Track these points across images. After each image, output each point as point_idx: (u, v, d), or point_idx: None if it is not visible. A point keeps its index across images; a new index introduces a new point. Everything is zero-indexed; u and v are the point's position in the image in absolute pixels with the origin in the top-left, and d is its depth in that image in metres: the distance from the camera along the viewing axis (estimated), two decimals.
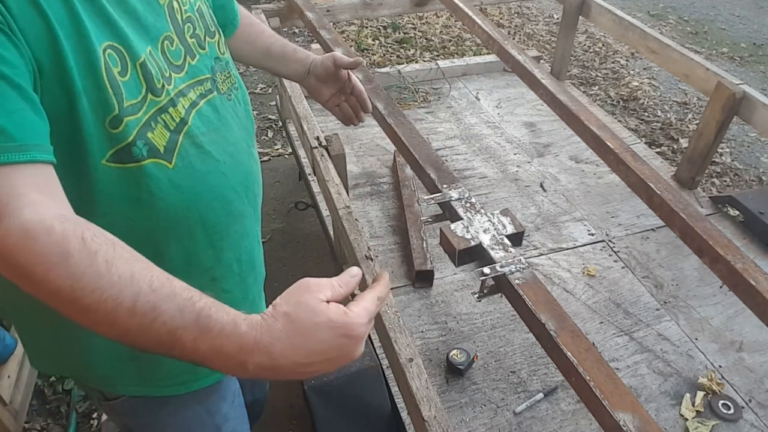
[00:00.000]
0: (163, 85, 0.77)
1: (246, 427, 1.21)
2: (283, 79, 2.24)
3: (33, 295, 0.58)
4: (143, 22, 0.76)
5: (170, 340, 0.56)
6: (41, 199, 0.58)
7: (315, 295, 0.59)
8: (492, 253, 1.25)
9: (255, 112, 3.81)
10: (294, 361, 0.57)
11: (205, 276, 0.91)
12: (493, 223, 1.31)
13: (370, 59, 4.11)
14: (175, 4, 0.83)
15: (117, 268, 0.56)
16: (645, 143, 3.05)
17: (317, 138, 1.86)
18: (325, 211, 2.29)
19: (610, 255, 2.25)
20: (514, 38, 4.53)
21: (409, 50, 4.25)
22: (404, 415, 1.60)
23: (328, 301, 0.60)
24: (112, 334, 0.57)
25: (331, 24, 2.63)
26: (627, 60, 4.32)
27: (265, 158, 3.58)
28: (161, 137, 0.76)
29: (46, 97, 0.65)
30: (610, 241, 2.32)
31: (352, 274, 0.68)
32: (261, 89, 4.13)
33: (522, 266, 1.24)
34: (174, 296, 0.56)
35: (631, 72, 4.15)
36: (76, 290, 0.55)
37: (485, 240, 1.27)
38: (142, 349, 0.58)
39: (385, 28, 4.58)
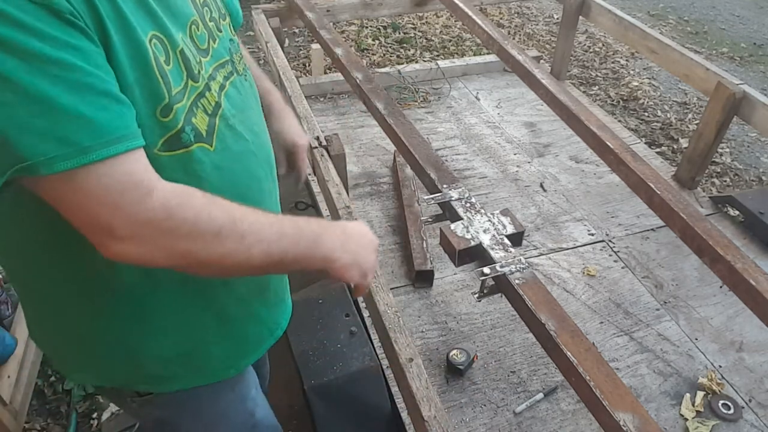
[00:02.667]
0: (199, 71, 0.78)
1: (271, 413, 1.23)
2: (283, 79, 2.24)
3: (202, 261, 0.68)
4: (173, 8, 0.76)
5: (297, 230, 0.77)
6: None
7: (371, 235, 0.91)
8: (492, 253, 1.25)
9: None
10: (360, 263, 0.85)
11: None
12: (493, 223, 1.31)
13: (370, 59, 4.11)
14: None
15: (248, 208, 0.74)
16: (645, 143, 3.05)
17: (317, 138, 1.86)
18: (325, 211, 2.29)
19: (610, 255, 2.25)
20: (514, 38, 4.53)
21: (409, 50, 4.25)
22: (404, 415, 1.60)
23: None
24: (264, 253, 0.73)
25: (331, 24, 2.63)
26: (627, 60, 4.31)
27: None
28: (202, 121, 0.78)
29: None
30: (610, 241, 2.32)
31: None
32: None
33: (522, 266, 1.24)
34: (284, 231, 0.76)
35: (631, 72, 4.15)
36: (236, 221, 0.70)
37: (485, 240, 1.27)
38: (282, 259, 0.76)
39: (385, 28, 4.58)
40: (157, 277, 0.80)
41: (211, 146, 0.79)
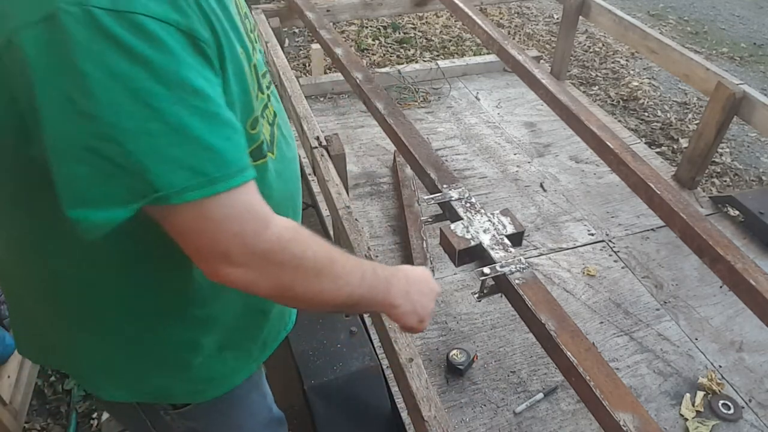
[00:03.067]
0: (263, 81, 0.80)
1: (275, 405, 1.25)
2: (283, 79, 2.24)
3: (298, 293, 0.71)
4: (236, 22, 0.76)
5: (374, 276, 0.80)
6: None
7: (433, 284, 0.94)
8: (492, 253, 1.25)
9: None
10: (418, 312, 0.89)
11: None
12: (493, 223, 1.31)
13: (370, 59, 4.11)
14: (237, 0, 0.84)
15: (341, 251, 0.77)
16: (645, 143, 3.05)
17: (317, 138, 1.86)
18: (325, 211, 2.29)
19: (610, 255, 2.25)
20: (514, 38, 4.53)
21: (409, 50, 4.25)
22: (404, 415, 1.60)
23: None
24: (348, 294, 0.76)
25: (331, 24, 2.63)
26: (627, 60, 4.31)
27: None
28: (267, 131, 0.79)
29: None
30: (610, 241, 2.32)
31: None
32: None
33: (522, 266, 1.24)
34: (365, 276, 0.79)
35: (631, 72, 4.15)
36: (333, 261, 0.74)
37: (485, 240, 1.27)
38: (359, 300, 0.79)
39: (385, 28, 4.58)
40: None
41: (273, 154, 0.82)
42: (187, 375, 0.89)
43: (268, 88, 0.84)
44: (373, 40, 4.40)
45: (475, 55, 4.10)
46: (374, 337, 1.66)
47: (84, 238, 0.59)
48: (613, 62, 4.30)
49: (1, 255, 0.80)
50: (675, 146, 3.34)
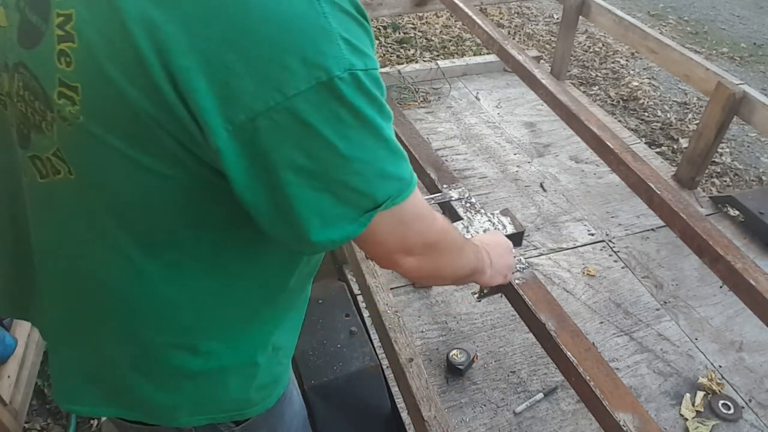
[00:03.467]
0: None
1: None
2: None
3: (445, 272, 0.86)
4: None
5: (476, 251, 0.99)
6: None
7: (505, 241, 1.15)
8: None
9: None
10: (501, 272, 1.10)
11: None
12: (493, 223, 1.31)
13: None
14: None
15: (461, 237, 0.92)
16: (645, 143, 3.05)
17: None
18: None
19: (610, 255, 2.25)
20: (514, 38, 4.53)
21: (409, 50, 4.25)
22: (404, 415, 1.60)
23: None
24: (470, 268, 0.95)
25: None
26: (627, 60, 4.31)
27: None
28: None
29: None
30: (610, 241, 2.32)
31: None
32: None
33: (522, 266, 1.24)
34: (475, 251, 0.98)
35: (631, 72, 4.15)
36: (465, 243, 0.92)
37: None
38: (471, 270, 0.97)
39: (385, 28, 4.58)
40: (305, 288, 0.93)
41: None
42: (255, 382, 0.87)
43: None
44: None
45: (475, 55, 4.10)
46: (374, 337, 1.66)
47: (308, 254, 0.76)
48: (613, 62, 4.30)
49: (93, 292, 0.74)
50: (675, 146, 3.34)
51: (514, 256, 1.24)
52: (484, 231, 1.29)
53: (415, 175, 0.73)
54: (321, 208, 0.63)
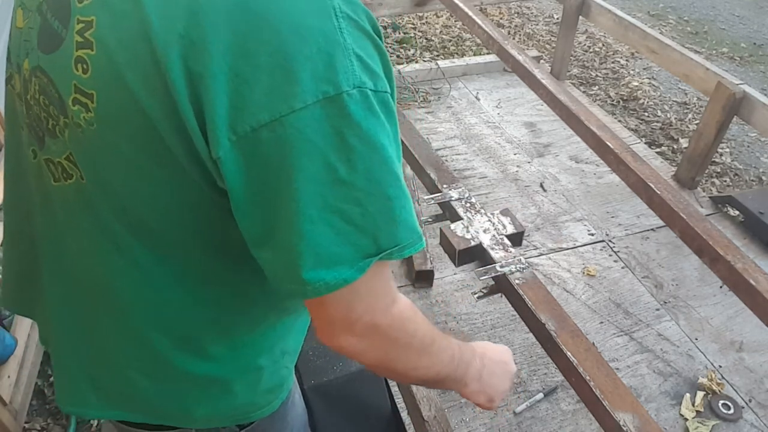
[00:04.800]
0: None
1: None
2: None
3: (397, 367, 0.73)
4: None
5: (451, 361, 0.81)
6: None
7: (510, 366, 0.98)
8: (492, 253, 1.25)
9: None
10: (495, 370, 0.93)
11: None
12: (493, 223, 1.31)
13: None
14: None
15: (438, 330, 0.77)
16: (645, 143, 3.05)
17: None
18: None
19: (610, 255, 2.25)
20: (514, 38, 4.53)
21: (409, 50, 4.25)
22: (404, 415, 1.60)
23: None
24: (436, 373, 0.78)
25: None
26: (627, 60, 4.31)
27: None
28: None
29: None
30: (610, 241, 2.32)
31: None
32: None
33: (522, 266, 1.24)
34: (453, 357, 0.81)
35: (631, 72, 4.14)
36: (435, 341, 0.75)
37: (485, 240, 1.27)
38: (440, 378, 0.80)
39: (385, 28, 4.58)
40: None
41: None
42: (261, 386, 0.87)
43: None
44: None
45: (475, 55, 4.10)
46: None
47: (296, 298, 0.63)
48: (613, 62, 4.30)
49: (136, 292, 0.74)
50: (675, 146, 3.34)
51: (514, 257, 1.24)
52: (484, 231, 1.29)
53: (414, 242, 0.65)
54: (317, 242, 0.58)
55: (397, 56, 4.18)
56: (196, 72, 0.55)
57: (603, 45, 4.52)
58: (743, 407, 1.73)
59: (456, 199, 1.42)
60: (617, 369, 1.80)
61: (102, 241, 0.70)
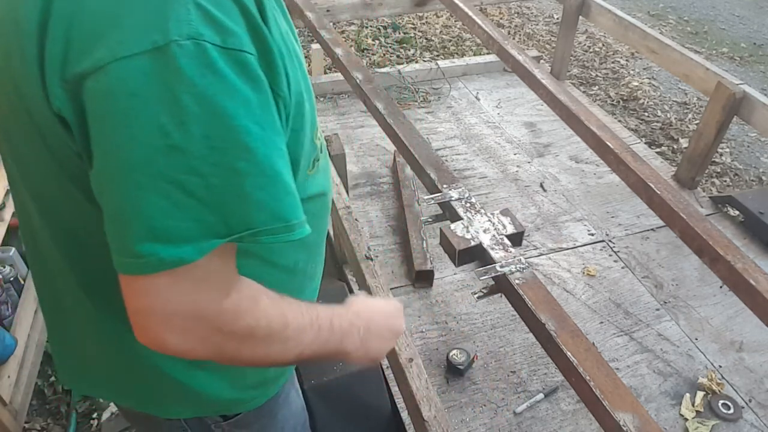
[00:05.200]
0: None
1: None
2: None
3: (239, 359, 0.66)
4: (294, 32, 0.74)
5: (329, 334, 0.74)
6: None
7: (398, 324, 0.91)
8: (492, 253, 1.25)
9: None
10: (380, 325, 0.86)
11: (322, 252, 0.96)
12: (493, 223, 1.31)
13: (370, 59, 4.11)
14: None
15: (288, 300, 0.70)
16: (645, 143, 3.05)
17: None
18: None
19: (610, 255, 2.25)
20: (514, 38, 4.53)
21: (409, 50, 4.25)
22: (404, 415, 1.60)
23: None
24: (296, 354, 0.71)
25: (331, 24, 2.63)
26: (627, 60, 4.31)
27: None
28: (318, 134, 0.79)
29: (291, 135, 0.64)
30: (610, 241, 2.32)
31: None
32: None
33: (522, 266, 1.24)
34: (310, 305, 0.74)
35: (631, 72, 4.14)
36: (287, 326, 0.67)
37: (485, 240, 1.27)
38: (308, 357, 0.73)
39: (385, 28, 4.58)
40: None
41: (322, 152, 0.82)
42: (245, 381, 0.88)
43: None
44: (373, 40, 4.40)
45: (475, 55, 4.10)
46: None
47: (134, 273, 0.55)
48: (613, 62, 4.30)
49: (61, 280, 0.76)
50: (675, 146, 3.34)
51: (514, 257, 1.24)
52: (484, 231, 1.29)
53: (304, 226, 0.60)
54: (149, 213, 0.52)
55: (397, 56, 4.18)
56: (44, 20, 0.53)
57: (603, 45, 4.52)
58: (743, 407, 1.73)
59: (456, 199, 1.42)
60: (617, 369, 1.80)
61: (33, 222, 0.71)
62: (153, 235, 0.53)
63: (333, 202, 1.64)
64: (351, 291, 1.91)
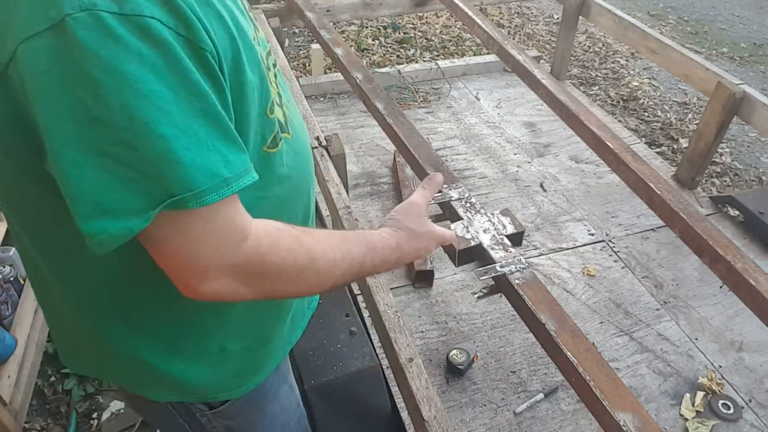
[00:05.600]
0: (265, 64, 0.78)
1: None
2: None
3: (279, 294, 0.72)
4: (242, 6, 0.74)
5: (361, 267, 0.79)
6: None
7: (421, 212, 0.95)
8: (492, 253, 1.25)
9: None
10: (410, 254, 0.89)
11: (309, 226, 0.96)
12: (493, 223, 1.31)
13: (370, 59, 4.11)
14: None
15: (318, 236, 0.75)
16: (645, 143, 3.05)
17: (317, 138, 1.86)
18: (325, 211, 2.29)
19: (610, 255, 2.25)
20: (514, 38, 4.53)
21: (409, 50, 4.25)
22: (404, 415, 1.60)
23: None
24: (332, 284, 0.76)
25: (331, 24, 2.63)
26: (627, 60, 4.31)
27: None
28: (280, 112, 0.79)
29: (233, 104, 0.64)
30: (610, 241, 2.32)
31: (438, 181, 1.05)
32: None
33: (522, 266, 1.23)
34: (348, 238, 0.79)
35: (631, 72, 4.14)
36: (316, 260, 0.71)
37: (485, 240, 1.27)
38: (345, 283, 0.79)
39: (385, 28, 4.58)
40: None
41: (289, 134, 0.81)
42: (227, 369, 0.89)
43: (274, 66, 0.83)
44: (373, 40, 4.40)
45: (475, 55, 4.10)
46: (374, 337, 1.66)
47: (96, 252, 0.56)
48: (613, 62, 4.30)
49: (40, 270, 0.78)
50: (675, 146, 3.34)
51: (514, 257, 1.24)
52: (484, 231, 1.29)
53: (249, 169, 0.62)
54: (91, 189, 0.54)
55: (397, 56, 4.17)
56: None
57: (603, 45, 4.52)
58: (743, 407, 1.73)
59: (456, 199, 1.41)
60: (617, 369, 1.80)
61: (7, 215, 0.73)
62: (101, 211, 0.54)
63: (333, 201, 1.64)
64: (351, 291, 1.91)
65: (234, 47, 0.62)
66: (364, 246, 0.80)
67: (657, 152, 3.06)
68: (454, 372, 1.78)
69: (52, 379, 2.12)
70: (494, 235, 1.28)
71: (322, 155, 1.81)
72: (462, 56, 4.11)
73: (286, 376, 1.10)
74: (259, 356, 0.94)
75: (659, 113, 3.67)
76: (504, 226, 1.30)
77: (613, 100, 3.80)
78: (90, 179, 0.53)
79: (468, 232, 1.28)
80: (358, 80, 2.01)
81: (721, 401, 1.72)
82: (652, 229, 2.36)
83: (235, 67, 0.63)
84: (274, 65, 0.84)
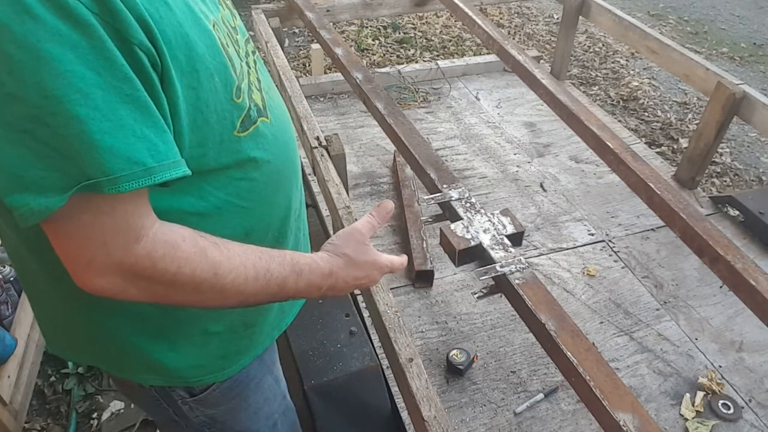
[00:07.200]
0: (240, 49, 0.79)
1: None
2: (283, 79, 2.24)
3: (176, 302, 0.69)
4: None
5: (280, 289, 0.75)
6: (153, 214, 0.65)
7: (364, 240, 0.88)
8: (492, 253, 1.25)
9: None
10: (347, 282, 0.84)
11: (292, 217, 0.95)
12: (493, 223, 1.31)
13: (370, 59, 4.11)
14: None
15: (232, 250, 0.71)
16: (645, 143, 3.05)
17: (317, 138, 1.86)
18: (325, 211, 2.29)
19: (610, 255, 2.25)
20: (514, 38, 4.53)
21: (409, 50, 4.25)
22: (404, 415, 1.60)
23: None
24: (240, 301, 0.73)
25: (331, 24, 2.63)
26: (627, 60, 4.31)
27: None
28: (257, 96, 0.79)
29: (187, 92, 0.64)
30: (610, 241, 2.31)
31: (387, 209, 0.95)
32: None
33: (522, 266, 1.24)
34: (272, 257, 0.75)
35: (631, 72, 4.14)
36: (220, 275, 0.68)
37: (485, 240, 1.27)
38: (258, 303, 0.76)
39: (385, 28, 4.58)
40: None
41: (268, 119, 0.81)
42: (210, 350, 0.89)
43: (253, 53, 0.84)
44: (373, 40, 4.40)
45: (475, 55, 4.10)
46: (374, 337, 1.66)
47: (21, 225, 0.57)
48: (613, 62, 4.30)
49: (24, 257, 0.80)
50: (675, 146, 3.34)
51: (514, 257, 1.24)
52: (484, 231, 1.29)
53: (174, 168, 0.61)
54: (11, 163, 0.55)
55: (397, 56, 4.17)
56: None
57: (603, 45, 4.52)
58: (743, 407, 1.73)
59: (456, 199, 1.41)
60: (617, 369, 1.80)
61: None
62: (23, 186, 0.55)
63: (333, 201, 1.64)
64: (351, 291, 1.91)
65: (182, 33, 0.63)
66: (288, 268, 0.76)
67: (657, 152, 3.06)
68: (454, 372, 1.78)
69: (52, 379, 2.12)
70: (494, 235, 1.28)
71: (322, 155, 1.81)
72: (462, 56, 4.11)
73: (271, 368, 1.10)
74: (243, 339, 0.94)
75: (659, 113, 3.68)
76: (504, 226, 1.30)
77: (613, 100, 3.80)
78: (8, 154, 0.54)
79: (468, 232, 1.28)
80: (358, 80, 2.01)
81: (721, 401, 1.72)
82: (652, 229, 2.36)
83: (187, 54, 0.63)
84: (253, 52, 0.85)
